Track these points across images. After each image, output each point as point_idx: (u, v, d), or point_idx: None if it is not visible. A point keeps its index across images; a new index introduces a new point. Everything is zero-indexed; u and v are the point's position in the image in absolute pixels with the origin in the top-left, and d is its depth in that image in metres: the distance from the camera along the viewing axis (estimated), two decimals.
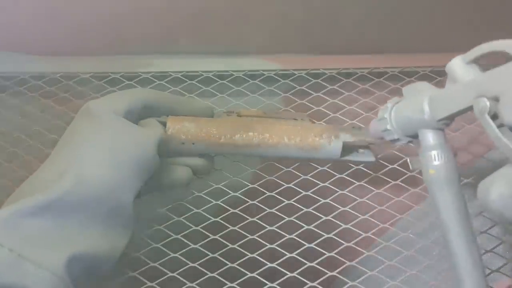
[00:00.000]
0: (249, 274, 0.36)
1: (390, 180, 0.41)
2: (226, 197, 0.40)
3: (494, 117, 0.24)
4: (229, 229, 0.39)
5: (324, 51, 0.51)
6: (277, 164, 0.42)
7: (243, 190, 0.41)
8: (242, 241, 0.38)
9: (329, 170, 0.41)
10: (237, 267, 0.36)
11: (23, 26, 0.48)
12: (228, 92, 0.48)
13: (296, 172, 0.41)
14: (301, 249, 0.37)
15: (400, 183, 0.41)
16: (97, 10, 0.47)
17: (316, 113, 0.46)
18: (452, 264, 0.29)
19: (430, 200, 0.30)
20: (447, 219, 0.29)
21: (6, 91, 0.49)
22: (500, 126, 0.24)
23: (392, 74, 0.50)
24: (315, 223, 0.39)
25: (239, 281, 0.36)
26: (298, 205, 0.39)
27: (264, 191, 0.40)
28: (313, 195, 0.40)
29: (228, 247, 0.37)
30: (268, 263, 0.36)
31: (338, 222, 0.39)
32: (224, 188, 0.41)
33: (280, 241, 0.38)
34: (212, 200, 0.40)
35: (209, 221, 0.39)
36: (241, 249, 0.37)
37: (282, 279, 0.36)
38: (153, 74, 0.50)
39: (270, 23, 0.49)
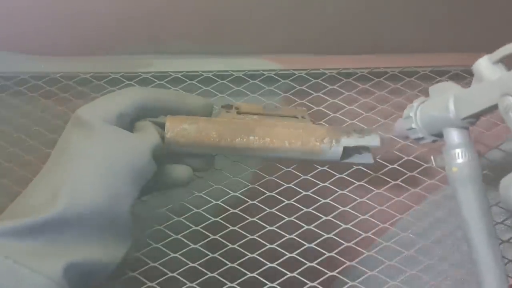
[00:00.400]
0: (249, 274, 0.36)
1: (390, 180, 0.41)
2: (226, 197, 0.40)
3: None
4: (229, 229, 0.39)
5: (324, 51, 0.51)
6: (277, 164, 0.42)
7: (243, 190, 0.41)
8: (242, 241, 0.38)
9: (329, 170, 0.41)
10: (237, 267, 0.36)
11: (23, 26, 0.48)
12: (228, 92, 0.48)
13: (296, 172, 0.41)
14: (301, 249, 0.37)
15: (400, 183, 0.41)
16: (97, 10, 0.47)
17: (316, 113, 0.46)
18: (473, 261, 0.29)
19: (452, 197, 0.30)
20: (468, 217, 0.29)
21: (6, 91, 0.49)
22: None
23: (392, 74, 0.50)
24: (315, 223, 0.39)
25: (239, 281, 0.36)
26: (298, 205, 0.39)
27: (264, 191, 0.40)
28: (313, 195, 0.40)
29: (228, 247, 0.37)
30: (268, 263, 0.36)
31: (338, 222, 0.39)
32: (224, 188, 0.41)
33: (280, 241, 0.38)
34: (212, 200, 0.40)
35: (209, 221, 0.39)
36: (241, 249, 0.37)
37: (282, 279, 0.36)
38: (153, 74, 0.50)
39: (270, 23, 0.49)
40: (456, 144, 0.30)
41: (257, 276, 0.36)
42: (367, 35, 0.50)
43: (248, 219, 0.39)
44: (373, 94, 0.48)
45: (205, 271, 0.36)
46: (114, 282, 0.36)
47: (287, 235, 0.38)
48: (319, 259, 0.37)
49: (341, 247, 0.38)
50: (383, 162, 0.42)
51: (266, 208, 0.39)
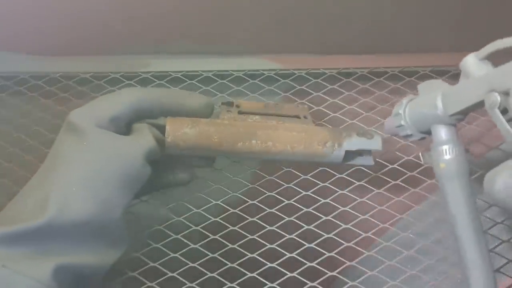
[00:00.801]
0: (249, 274, 0.36)
1: (390, 180, 0.41)
2: (226, 197, 0.40)
3: (504, 111, 0.25)
4: (229, 229, 0.39)
5: (324, 51, 0.51)
6: (277, 164, 0.42)
7: (243, 190, 0.41)
8: (242, 241, 0.38)
9: (329, 170, 0.41)
10: (237, 267, 0.36)
11: (23, 26, 0.48)
12: (228, 92, 0.48)
13: (296, 172, 0.41)
14: (301, 249, 0.37)
15: (400, 183, 0.41)
16: (97, 10, 0.47)
17: (316, 113, 0.46)
18: (460, 257, 0.29)
19: (440, 194, 0.30)
20: (456, 213, 0.30)
21: (6, 91, 0.49)
22: (510, 120, 0.25)
23: (392, 74, 0.50)
24: (315, 223, 0.39)
25: (239, 281, 0.36)
26: (298, 205, 0.39)
27: (264, 191, 0.40)
28: (313, 195, 0.40)
29: (228, 247, 0.37)
30: (268, 263, 0.36)
31: (338, 222, 0.39)
32: (224, 188, 0.41)
33: (280, 241, 0.38)
34: (212, 200, 0.40)
35: (209, 221, 0.39)
36: (241, 249, 0.37)
37: (282, 279, 0.36)
38: (153, 74, 0.50)
39: (270, 23, 0.49)
40: (444, 141, 0.30)
41: (257, 276, 0.36)
42: (367, 35, 0.50)
43: (248, 219, 0.39)
44: (373, 94, 0.48)
45: (205, 271, 0.36)
46: (114, 282, 0.36)
47: (287, 235, 0.38)
48: (319, 259, 0.37)
49: (341, 247, 0.38)
50: (383, 162, 0.42)
51: (266, 208, 0.39)
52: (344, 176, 0.41)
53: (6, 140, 0.45)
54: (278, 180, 0.41)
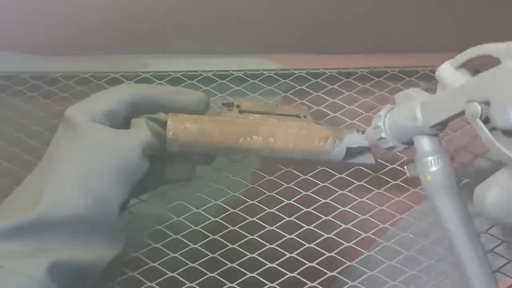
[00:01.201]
0: (249, 274, 0.36)
1: (390, 180, 0.41)
2: (226, 197, 0.40)
3: (486, 121, 0.24)
4: (229, 229, 0.39)
5: (324, 51, 0.51)
6: (277, 164, 0.42)
7: (243, 190, 0.41)
8: (242, 241, 0.38)
9: (329, 170, 0.41)
10: (237, 267, 0.36)
11: (23, 26, 0.48)
12: (228, 92, 0.48)
13: (296, 172, 0.41)
14: (301, 249, 0.37)
15: (400, 183, 0.41)
16: (97, 9, 0.47)
17: (316, 113, 0.46)
18: (458, 266, 0.29)
19: (430, 205, 0.30)
20: (449, 224, 0.29)
21: (6, 91, 0.49)
22: (492, 129, 0.24)
23: (392, 74, 0.50)
24: (315, 223, 0.39)
25: (239, 281, 0.36)
26: (298, 205, 0.39)
27: (264, 191, 0.40)
28: (313, 195, 0.40)
29: (228, 247, 0.37)
30: (268, 263, 0.36)
31: (338, 222, 0.39)
32: (224, 188, 0.41)
33: (280, 241, 0.38)
34: (212, 200, 0.40)
35: (209, 221, 0.39)
36: (241, 249, 0.37)
37: (282, 279, 0.36)
38: (153, 74, 0.50)
39: (270, 23, 0.49)
40: (428, 152, 0.29)
41: (257, 276, 0.36)
42: (367, 35, 0.50)
43: (248, 219, 0.39)
44: (373, 94, 0.48)
45: (205, 271, 0.36)
46: (114, 282, 0.36)
47: (287, 235, 0.38)
48: (319, 259, 0.37)
49: (341, 247, 0.38)
50: (383, 162, 0.42)
51: (266, 208, 0.39)
52: (344, 176, 0.41)
53: (6, 140, 0.45)
54: (278, 180, 0.41)
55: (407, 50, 0.51)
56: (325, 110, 0.46)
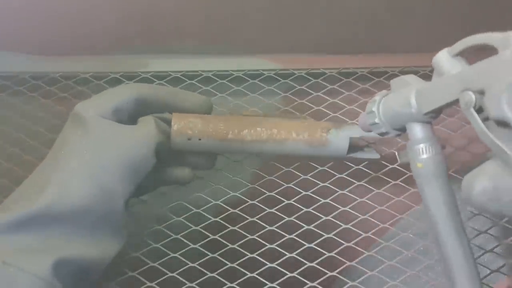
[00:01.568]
0: (249, 274, 0.36)
1: (390, 180, 0.41)
2: (226, 197, 0.40)
3: (480, 110, 0.24)
4: (229, 229, 0.39)
5: (324, 51, 0.51)
6: (277, 164, 0.42)
7: (243, 190, 0.41)
8: (242, 241, 0.38)
9: (329, 170, 0.41)
10: (237, 267, 0.36)
11: (23, 26, 0.48)
12: (228, 92, 0.48)
13: (296, 172, 0.41)
14: (301, 249, 0.37)
15: (400, 183, 0.41)
16: (97, 9, 0.47)
17: (316, 113, 0.46)
18: (442, 258, 0.29)
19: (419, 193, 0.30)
20: (435, 212, 0.29)
21: (6, 91, 0.49)
22: (485, 119, 0.24)
23: (392, 74, 0.50)
24: (315, 223, 0.39)
25: (239, 281, 0.36)
26: (298, 205, 0.39)
27: (264, 191, 0.40)
28: (313, 195, 0.40)
29: (228, 247, 0.37)
30: (268, 263, 0.36)
31: (338, 222, 0.39)
32: (224, 188, 0.41)
33: (280, 241, 0.38)
34: (212, 200, 0.40)
35: (209, 221, 0.39)
36: (241, 249, 0.37)
37: (282, 279, 0.36)
38: (153, 74, 0.50)
39: (270, 23, 0.49)
40: (420, 139, 0.29)
41: (257, 276, 0.36)
42: (367, 35, 0.50)
43: (248, 219, 0.39)
44: (373, 94, 0.47)
45: (205, 271, 0.36)
46: (114, 282, 0.36)
47: (287, 235, 0.38)
48: (319, 259, 0.37)
49: (341, 247, 0.38)
50: (383, 162, 0.42)
51: (266, 208, 0.39)
52: (344, 176, 0.41)
53: (6, 140, 0.45)
54: (278, 180, 0.41)
55: (407, 50, 0.51)
56: (325, 110, 0.46)
